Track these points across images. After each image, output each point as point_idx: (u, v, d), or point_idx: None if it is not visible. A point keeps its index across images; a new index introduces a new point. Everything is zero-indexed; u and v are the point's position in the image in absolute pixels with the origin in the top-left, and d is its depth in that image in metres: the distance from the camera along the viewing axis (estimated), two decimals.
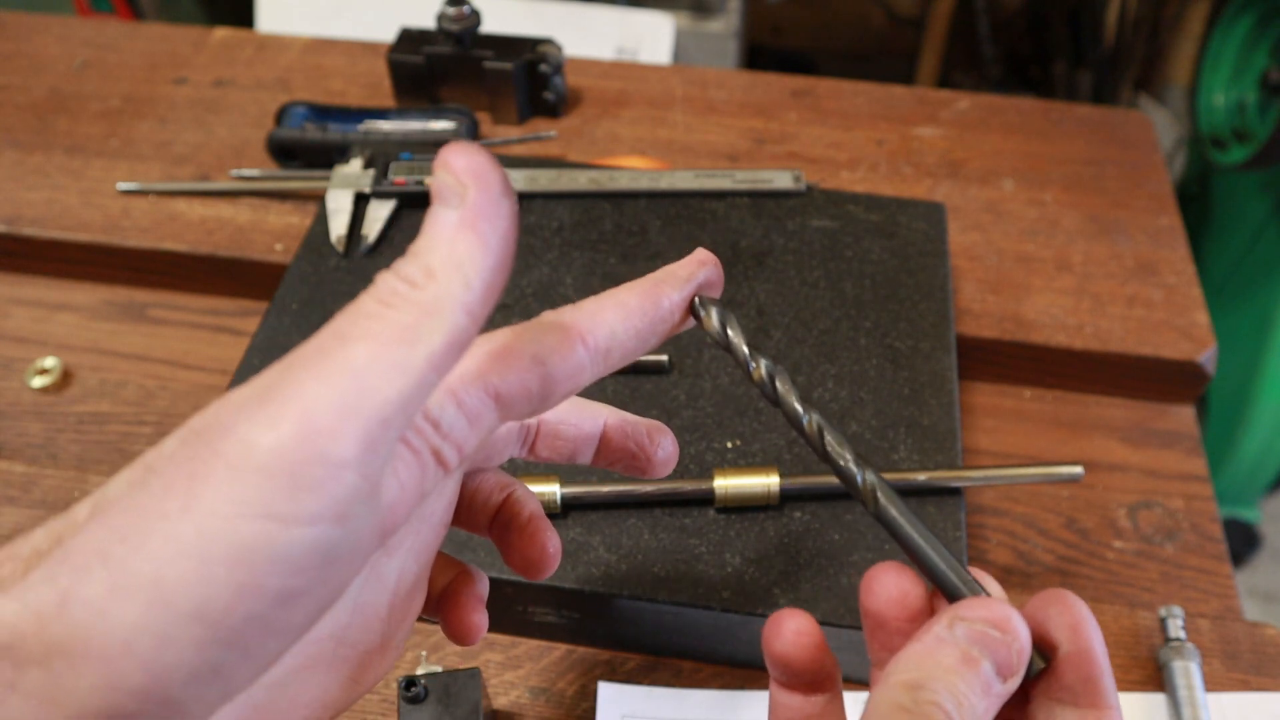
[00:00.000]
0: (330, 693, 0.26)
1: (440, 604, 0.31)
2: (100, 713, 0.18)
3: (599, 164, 0.61)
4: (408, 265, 0.21)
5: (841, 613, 0.43)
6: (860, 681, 0.47)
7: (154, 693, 0.18)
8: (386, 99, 0.75)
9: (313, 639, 0.25)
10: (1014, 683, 0.24)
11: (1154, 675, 0.48)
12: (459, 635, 0.30)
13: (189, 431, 0.19)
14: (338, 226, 0.57)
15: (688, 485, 0.45)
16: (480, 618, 0.30)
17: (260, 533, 0.18)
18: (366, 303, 0.20)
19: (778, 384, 0.27)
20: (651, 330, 0.26)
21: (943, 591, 0.25)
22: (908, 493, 0.46)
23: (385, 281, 0.20)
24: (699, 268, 0.27)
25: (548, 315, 0.25)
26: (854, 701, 0.46)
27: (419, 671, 0.42)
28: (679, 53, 1.25)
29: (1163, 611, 0.48)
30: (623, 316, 0.25)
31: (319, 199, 0.64)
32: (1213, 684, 0.47)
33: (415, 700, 0.41)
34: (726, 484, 0.45)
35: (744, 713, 0.46)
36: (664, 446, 0.31)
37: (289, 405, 0.19)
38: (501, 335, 0.24)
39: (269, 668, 0.20)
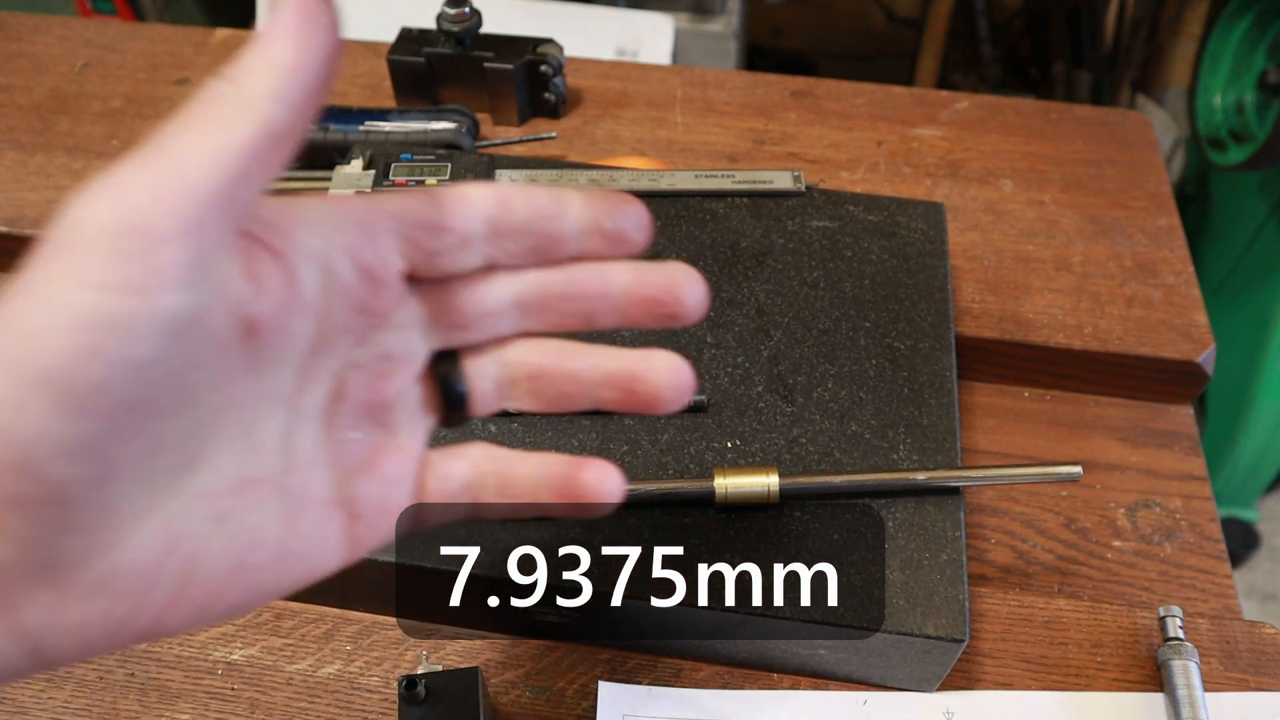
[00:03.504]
0: (284, 540, 0.25)
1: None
2: None
3: (599, 164, 0.61)
4: (228, 67, 0.22)
5: (841, 612, 0.43)
6: (860, 681, 0.47)
7: (24, 467, 0.19)
8: (387, 99, 0.75)
9: (235, 464, 0.24)
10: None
11: (1153, 675, 0.48)
12: (594, 490, 0.29)
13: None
14: None
15: (688, 485, 0.45)
16: (600, 470, 0.29)
17: (92, 301, 0.19)
18: (191, 103, 0.22)
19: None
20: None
21: None
22: (907, 493, 0.46)
23: (208, 83, 0.22)
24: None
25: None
26: (851, 701, 0.47)
27: (419, 671, 0.42)
28: (679, 53, 1.25)
29: (1161, 611, 0.48)
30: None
31: None
32: (1211, 683, 0.47)
33: (415, 700, 0.41)
34: (726, 484, 0.45)
35: (744, 713, 0.46)
36: (690, 286, 0.28)
37: (112, 186, 0.20)
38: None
39: (155, 455, 0.21)
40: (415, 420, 0.29)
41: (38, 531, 0.20)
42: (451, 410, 0.29)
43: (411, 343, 0.28)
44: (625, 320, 0.29)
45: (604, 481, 0.28)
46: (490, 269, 0.28)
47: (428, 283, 0.28)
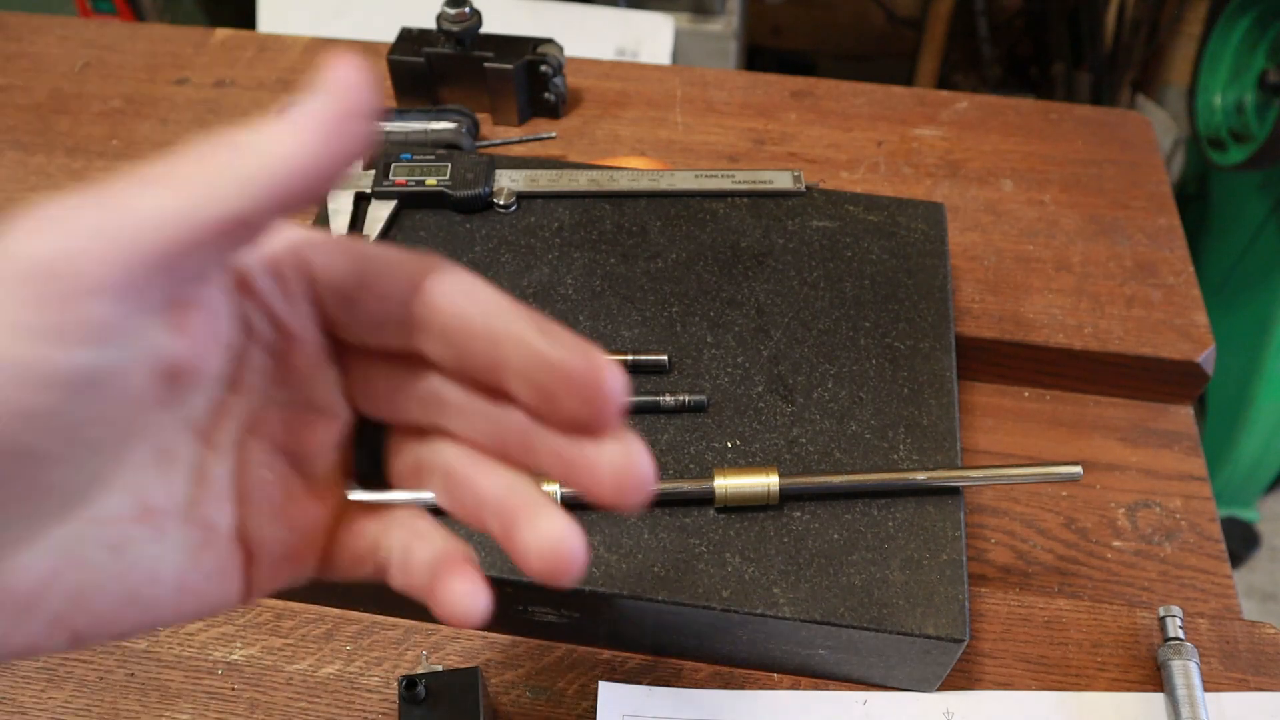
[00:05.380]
0: (184, 574, 0.23)
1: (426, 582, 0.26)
2: None
3: (599, 164, 0.61)
4: (232, 130, 0.20)
5: (841, 612, 0.43)
6: (860, 681, 0.47)
7: None
8: (387, 99, 0.75)
9: (140, 491, 0.23)
10: None
11: (1153, 675, 0.48)
12: (448, 612, 0.25)
13: None
14: (338, 227, 0.57)
15: (688, 485, 0.45)
16: (465, 587, 0.24)
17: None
18: (179, 155, 0.20)
19: None
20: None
21: None
22: (907, 493, 0.46)
23: (206, 139, 0.20)
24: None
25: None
26: (851, 701, 0.47)
27: (419, 671, 0.42)
28: (679, 53, 1.25)
29: (1161, 611, 0.48)
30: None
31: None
32: (1211, 683, 0.47)
33: (415, 700, 0.41)
34: (726, 484, 0.45)
35: (744, 713, 0.46)
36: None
37: (52, 221, 0.19)
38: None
39: (38, 496, 0.20)
40: (336, 478, 0.27)
41: None
42: (365, 475, 0.27)
43: (338, 399, 0.26)
44: (541, 471, 0.24)
45: (459, 602, 0.24)
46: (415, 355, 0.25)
47: (350, 345, 0.26)
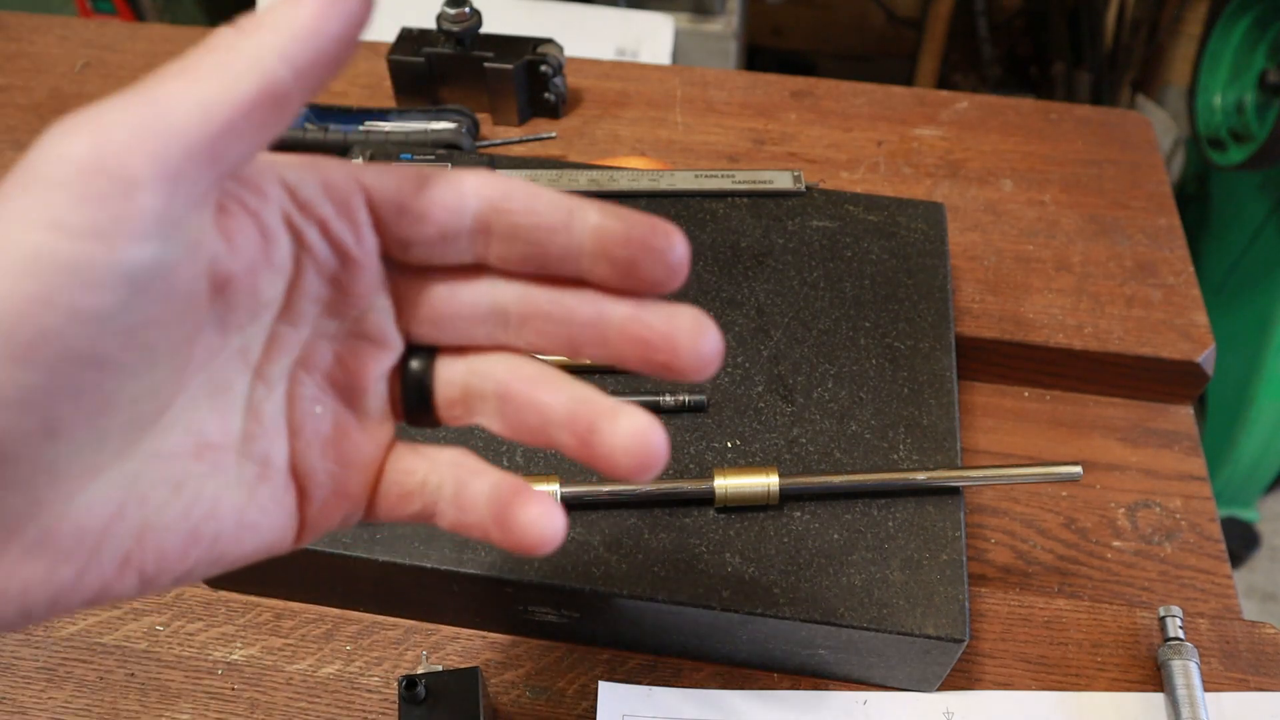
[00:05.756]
0: (242, 510, 0.24)
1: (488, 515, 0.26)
2: None
3: (599, 164, 0.61)
4: (243, 18, 0.21)
5: (841, 612, 0.43)
6: (860, 681, 0.47)
7: None
8: (387, 99, 0.75)
9: (197, 427, 0.23)
10: None
11: (1153, 675, 0.48)
12: (523, 537, 0.25)
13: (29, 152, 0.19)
14: None
15: (688, 485, 0.45)
16: (539, 509, 0.25)
17: (50, 243, 0.18)
18: (196, 49, 0.20)
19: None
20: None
21: None
22: (907, 493, 0.46)
23: (218, 30, 0.21)
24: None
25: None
26: (852, 701, 0.47)
27: (419, 671, 0.42)
28: (679, 53, 1.25)
29: (1161, 611, 0.48)
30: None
31: None
32: (1211, 683, 0.47)
33: (415, 700, 0.41)
34: (726, 484, 0.45)
35: (743, 713, 0.46)
36: (695, 340, 0.24)
37: (90, 122, 0.19)
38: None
39: (106, 412, 0.20)
40: (386, 412, 0.27)
41: None
42: (412, 409, 0.27)
43: (391, 330, 0.26)
44: (613, 358, 0.25)
45: (537, 523, 0.24)
46: (478, 268, 0.25)
47: (404, 268, 0.25)
